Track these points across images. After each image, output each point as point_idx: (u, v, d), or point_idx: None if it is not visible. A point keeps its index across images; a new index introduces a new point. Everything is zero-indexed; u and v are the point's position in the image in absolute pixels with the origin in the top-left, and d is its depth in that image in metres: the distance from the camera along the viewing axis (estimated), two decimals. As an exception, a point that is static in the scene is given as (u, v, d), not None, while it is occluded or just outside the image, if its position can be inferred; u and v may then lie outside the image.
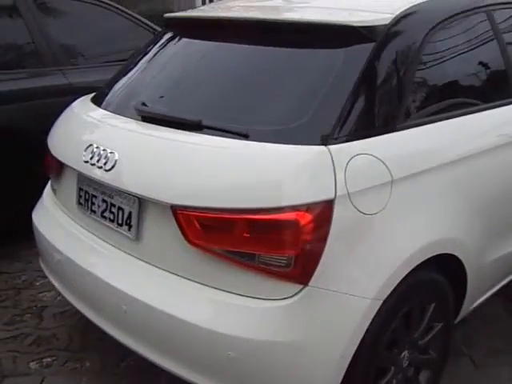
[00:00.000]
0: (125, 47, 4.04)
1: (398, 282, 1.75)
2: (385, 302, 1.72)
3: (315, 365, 1.66)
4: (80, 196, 2.12)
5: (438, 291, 2.02)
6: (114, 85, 2.37)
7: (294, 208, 1.58)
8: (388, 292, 1.72)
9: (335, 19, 1.91)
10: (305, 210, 1.58)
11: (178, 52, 2.30)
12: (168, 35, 2.39)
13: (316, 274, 1.61)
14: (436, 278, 1.99)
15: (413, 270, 1.80)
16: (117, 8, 3.97)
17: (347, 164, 1.66)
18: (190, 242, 1.69)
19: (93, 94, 2.48)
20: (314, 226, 1.59)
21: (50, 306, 3.04)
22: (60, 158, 2.20)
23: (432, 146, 1.93)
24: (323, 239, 1.61)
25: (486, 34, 2.31)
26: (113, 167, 1.87)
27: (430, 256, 1.86)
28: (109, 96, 2.31)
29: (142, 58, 2.43)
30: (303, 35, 1.94)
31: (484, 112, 2.18)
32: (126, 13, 4.01)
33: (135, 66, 2.41)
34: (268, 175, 1.63)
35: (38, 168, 2.48)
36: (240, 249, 1.63)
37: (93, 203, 2.05)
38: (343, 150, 1.68)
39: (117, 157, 1.88)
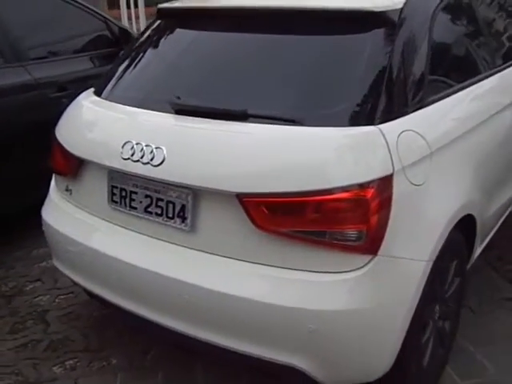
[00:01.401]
0: (84, 38, 3.94)
1: (442, 243, 1.94)
2: (434, 261, 1.90)
3: (385, 326, 1.81)
4: (114, 194, 2.10)
5: (459, 248, 2.25)
6: (122, 78, 2.34)
7: (361, 186, 1.70)
8: (437, 252, 1.91)
9: (358, 6, 2.03)
10: (370, 186, 1.71)
11: (193, 43, 2.31)
12: (174, 25, 2.39)
13: (383, 243, 1.75)
14: (458, 237, 2.20)
15: (450, 231, 1.99)
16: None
17: (397, 141, 1.80)
18: (258, 226, 1.76)
19: (94, 89, 2.43)
20: (380, 201, 1.72)
21: (50, 309, 2.97)
22: (86, 157, 2.16)
23: (456, 116, 2.16)
24: (388, 212, 1.75)
25: (473, 12, 2.57)
26: (162, 162, 1.89)
27: (460, 217, 2.06)
28: (123, 91, 2.29)
29: (144, 49, 2.42)
30: (328, 22, 2.04)
31: (490, 78, 2.47)
32: (81, 3, 3.89)
33: (141, 57, 2.39)
34: (332, 157, 1.74)
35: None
36: (311, 228, 1.73)
37: (132, 199, 2.05)
38: (391, 129, 1.82)
39: (165, 152, 1.89)
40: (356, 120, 1.81)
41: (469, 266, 2.51)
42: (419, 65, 2.05)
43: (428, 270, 1.88)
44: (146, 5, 7.51)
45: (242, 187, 1.77)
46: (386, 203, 1.74)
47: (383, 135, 1.78)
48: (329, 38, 2.04)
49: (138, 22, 7.51)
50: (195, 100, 2.04)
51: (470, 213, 2.20)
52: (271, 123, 1.85)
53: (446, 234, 1.97)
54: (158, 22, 2.51)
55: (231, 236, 1.86)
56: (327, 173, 1.72)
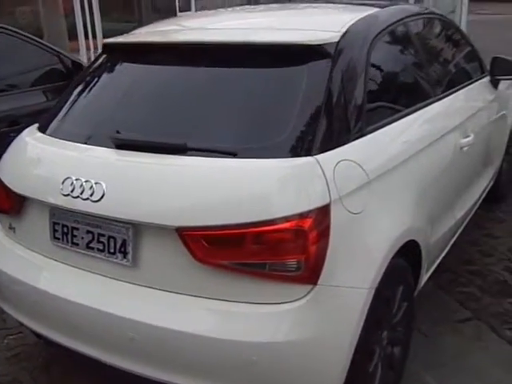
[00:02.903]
0: (35, 72, 3.92)
1: (384, 269, 1.96)
2: (376, 289, 1.92)
3: (328, 357, 1.82)
4: (56, 230, 2.08)
5: (404, 274, 2.28)
6: (66, 113, 2.34)
7: (300, 216, 1.72)
8: (379, 279, 1.93)
9: (295, 39, 2.08)
10: (307, 216, 1.73)
11: (136, 77, 2.32)
12: (117, 60, 2.40)
13: (323, 273, 1.76)
14: (402, 263, 2.24)
15: (391, 258, 2.02)
16: (19, 34, 3.84)
17: (334, 171, 1.84)
18: (199, 260, 1.76)
19: (38, 125, 2.42)
20: (318, 230, 1.75)
21: (-1, 351, 2.88)
22: (28, 194, 2.13)
23: (396, 144, 2.21)
24: (326, 241, 1.77)
25: (407, 42, 2.65)
26: (102, 198, 1.88)
27: (402, 244, 2.10)
28: (67, 126, 2.28)
29: (90, 83, 2.42)
30: (267, 55, 2.08)
31: (424, 109, 2.52)
32: (31, 38, 3.89)
33: (85, 92, 2.39)
34: (270, 188, 1.76)
35: None
36: (251, 260, 1.74)
37: (74, 236, 2.02)
38: (328, 159, 1.85)
39: (104, 187, 1.88)
40: (294, 151, 1.84)
41: (417, 291, 2.55)
42: (357, 95, 2.10)
43: (370, 298, 1.90)
44: (104, 36, 7.56)
45: (181, 221, 1.77)
46: (324, 233, 1.77)
47: (320, 166, 1.81)
48: (267, 71, 2.09)
49: (96, 52, 7.54)
50: (136, 134, 2.05)
51: (414, 239, 2.24)
52: (210, 156, 1.87)
53: (388, 261, 2.00)
54: (103, 56, 2.52)
55: (173, 270, 1.85)
56: (265, 205, 1.74)
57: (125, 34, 2.66)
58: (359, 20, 2.33)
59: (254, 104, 2.01)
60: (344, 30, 2.18)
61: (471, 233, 3.81)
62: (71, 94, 2.45)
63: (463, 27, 7.15)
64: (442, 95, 2.74)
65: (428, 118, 2.54)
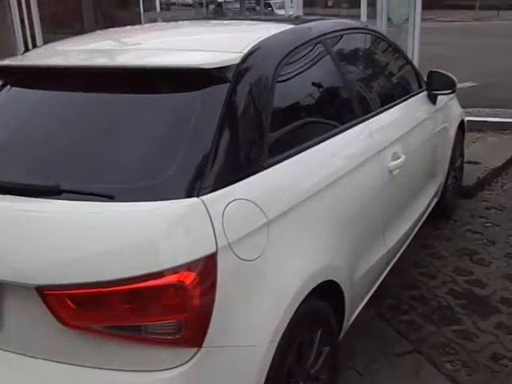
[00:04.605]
0: None
1: (289, 319, 1.74)
2: (280, 340, 1.70)
3: None
4: None
5: (322, 317, 2.06)
6: None
7: (176, 270, 1.48)
8: (282, 331, 1.71)
9: (187, 62, 1.85)
10: (187, 269, 1.50)
11: (8, 105, 2.06)
12: None
13: (209, 333, 1.53)
14: (319, 305, 2.02)
15: (300, 303, 1.81)
16: None
17: (223, 213, 1.61)
18: (64, 323, 1.52)
19: None
20: (200, 285, 1.51)
21: None
22: None
23: (303, 176, 1.98)
24: (211, 297, 1.54)
25: (326, 61, 2.43)
26: None
27: (313, 286, 1.88)
28: None
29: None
30: (155, 80, 1.85)
31: (338, 136, 2.28)
32: None
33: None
34: (142, 238, 1.52)
35: None
36: (123, 323, 1.50)
37: None
38: (217, 199, 1.63)
39: None
40: (177, 192, 1.59)
41: (343, 332, 2.34)
42: (256, 125, 1.88)
43: (272, 352, 1.68)
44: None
45: (41, 279, 1.52)
46: (208, 287, 1.54)
47: (206, 208, 1.58)
48: (154, 99, 1.85)
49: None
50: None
51: (332, 279, 2.03)
52: (82, 199, 1.61)
53: (296, 307, 1.78)
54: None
55: (40, 334, 1.60)
56: (136, 258, 1.50)
57: (18, 56, 2.40)
58: (267, 39, 2.11)
59: (137, 138, 1.76)
60: (247, 50, 1.96)
61: (416, 253, 3.65)
62: None
63: (416, 35, 7.02)
64: (366, 116, 2.53)
65: (346, 143, 2.32)
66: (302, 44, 2.27)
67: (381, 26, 7.65)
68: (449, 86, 3.33)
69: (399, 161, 2.62)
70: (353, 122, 2.41)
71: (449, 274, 3.43)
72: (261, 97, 1.94)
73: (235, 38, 2.23)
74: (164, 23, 2.76)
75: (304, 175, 2.00)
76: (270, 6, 30.31)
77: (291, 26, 2.37)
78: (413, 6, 7.11)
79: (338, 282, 2.08)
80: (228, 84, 1.83)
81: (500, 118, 6.81)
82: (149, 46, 2.18)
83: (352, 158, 2.29)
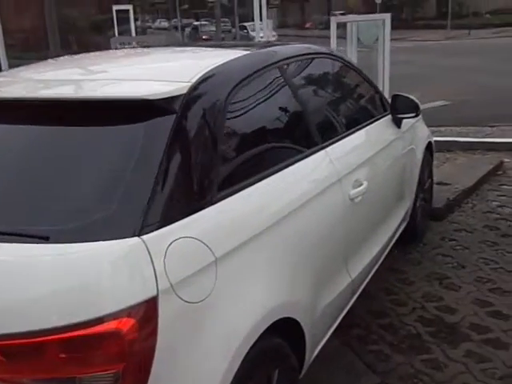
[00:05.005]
0: None
1: (241, 360, 1.65)
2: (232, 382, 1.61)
3: None
4: None
5: (280, 355, 1.97)
6: None
7: (112, 316, 1.38)
8: (232, 374, 1.62)
9: (129, 93, 1.77)
10: (125, 315, 1.40)
11: None
12: None
13: (150, 382, 1.43)
14: (276, 343, 1.93)
15: (253, 343, 1.71)
16: None
17: (166, 253, 1.52)
18: None
19: None
20: (139, 332, 1.41)
21: None
22: None
23: (252, 211, 1.89)
24: (151, 344, 1.44)
25: (283, 88, 2.37)
26: None
27: (268, 325, 1.79)
28: None
29: None
30: (96, 113, 1.76)
31: (295, 165, 2.20)
32: None
33: None
34: (77, 283, 1.41)
35: None
36: (55, 375, 1.39)
37: None
38: (159, 238, 1.54)
39: None
40: (117, 231, 1.49)
41: (305, 368, 2.24)
42: (205, 158, 1.80)
43: None
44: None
45: None
46: (149, 333, 1.44)
47: (147, 248, 1.49)
48: (93, 132, 1.75)
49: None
50: None
51: (289, 316, 1.94)
52: (10, 241, 1.49)
53: (248, 348, 1.69)
54: None
55: None
56: (73, 304, 1.39)
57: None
58: (218, 66, 2.04)
59: (74, 174, 1.67)
60: (195, 79, 1.89)
61: (385, 279, 3.58)
62: None
63: (386, 55, 7.07)
64: (326, 143, 2.46)
65: (304, 173, 2.24)
66: (257, 71, 2.20)
67: (351, 46, 7.73)
68: (412, 109, 3.30)
69: (361, 188, 2.56)
70: (311, 150, 2.33)
71: (418, 300, 3.36)
72: (210, 128, 1.86)
73: (186, 67, 2.16)
74: (118, 51, 2.68)
75: (257, 208, 1.92)
76: (246, 29, 30.57)
77: (246, 53, 2.31)
78: (382, 27, 7.18)
79: (297, 318, 1.99)
80: (174, 116, 1.75)
81: (470, 137, 6.86)
82: (95, 76, 2.09)
83: (310, 188, 2.22)
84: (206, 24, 36.57)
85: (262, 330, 1.76)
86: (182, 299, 1.52)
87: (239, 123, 2.05)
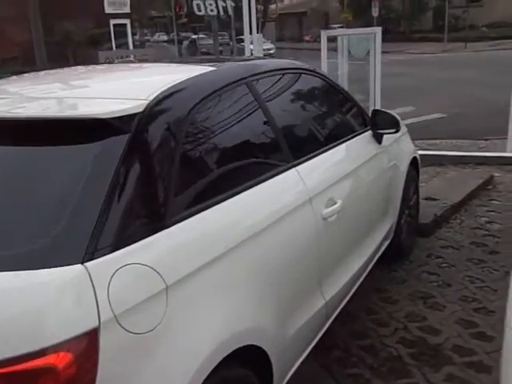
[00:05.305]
0: None
1: None
2: None
3: None
4: None
5: (242, 385, 1.88)
6: None
7: (48, 350, 1.30)
8: None
9: (81, 112, 1.71)
10: (63, 349, 1.31)
11: None
12: None
13: (89, 420, 1.35)
14: (239, 373, 1.84)
15: (210, 373, 1.63)
16: None
17: (110, 281, 1.44)
18: None
19: None
20: (77, 367, 1.33)
21: None
22: None
23: (210, 234, 1.80)
24: (90, 379, 1.35)
25: (251, 105, 2.29)
26: None
27: (227, 354, 1.70)
28: None
29: None
30: (46, 133, 1.68)
31: (261, 184, 2.12)
32: None
33: None
34: (11, 314, 1.33)
35: None
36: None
37: None
38: (104, 265, 1.46)
39: None
40: (58, 258, 1.41)
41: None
42: (159, 180, 1.73)
43: None
44: None
45: None
46: (88, 368, 1.35)
47: (90, 276, 1.41)
48: (42, 154, 1.67)
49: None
50: None
51: (253, 343, 1.85)
52: None
53: (203, 379, 1.60)
54: None
55: None
56: (5, 338, 1.31)
57: None
58: (180, 83, 1.97)
59: (19, 197, 1.59)
60: (153, 97, 1.82)
61: (368, 298, 3.49)
62: None
63: (377, 68, 7.05)
64: (297, 161, 2.37)
65: (270, 193, 2.15)
66: (222, 87, 2.13)
67: (342, 60, 7.72)
68: (392, 125, 3.22)
69: (335, 206, 2.48)
70: (279, 169, 2.25)
71: (401, 320, 3.27)
72: (167, 148, 1.79)
73: (146, 84, 2.09)
74: (83, 67, 2.60)
75: (217, 231, 1.83)
76: (243, 41, 30.64)
77: (212, 69, 2.24)
78: (373, 41, 7.16)
79: (262, 345, 1.90)
80: (128, 135, 1.68)
81: (462, 151, 6.79)
82: (50, 94, 2.01)
83: (276, 208, 2.13)
84: (203, 37, 36.69)
85: (220, 359, 1.67)
86: (126, 330, 1.43)
87: (201, 142, 1.98)
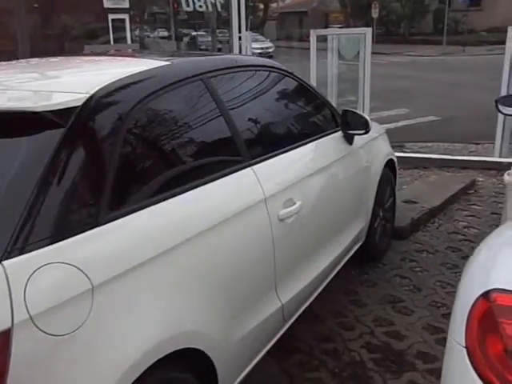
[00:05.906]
0: None
1: None
2: None
3: None
4: None
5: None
6: None
7: None
8: None
9: (14, 105, 1.66)
10: (-30, 350, 1.26)
11: None
12: None
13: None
14: (178, 378, 1.79)
15: (139, 375, 1.57)
16: None
17: (28, 280, 1.39)
18: None
19: None
20: (-15, 368, 1.28)
21: None
22: None
23: (147, 233, 1.75)
24: (0, 381, 1.30)
25: (205, 102, 2.23)
26: None
27: (160, 357, 1.65)
28: None
29: None
30: None
31: (210, 184, 2.06)
32: None
33: None
34: None
35: None
36: None
37: None
38: (24, 263, 1.40)
39: None
40: None
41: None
42: (92, 176, 1.67)
43: None
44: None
45: None
46: (-2, 370, 1.30)
47: (6, 274, 1.35)
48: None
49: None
50: None
51: (193, 346, 1.80)
52: None
53: (131, 382, 1.55)
54: None
55: None
56: None
57: None
58: (126, 77, 1.92)
59: None
60: (94, 91, 1.77)
61: (337, 300, 3.45)
62: None
63: (367, 69, 6.99)
64: (252, 161, 2.30)
65: (218, 193, 2.09)
66: (174, 83, 2.08)
67: (332, 60, 7.67)
68: (362, 126, 3.17)
69: (293, 207, 2.42)
70: (233, 168, 2.19)
71: (368, 324, 3.22)
72: (104, 144, 1.73)
73: (92, 77, 2.03)
74: (36, 59, 2.55)
75: (154, 230, 1.77)
76: (241, 39, 30.57)
77: (166, 63, 2.18)
78: (363, 42, 7.10)
79: (204, 349, 1.85)
80: (62, 129, 1.62)
81: (448, 155, 6.74)
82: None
83: (226, 208, 2.07)
84: (203, 34, 36.62)
85: (152, 361, 1.62)
86: (43, 332, 1.38)
87: (145, 139, 1.92)
